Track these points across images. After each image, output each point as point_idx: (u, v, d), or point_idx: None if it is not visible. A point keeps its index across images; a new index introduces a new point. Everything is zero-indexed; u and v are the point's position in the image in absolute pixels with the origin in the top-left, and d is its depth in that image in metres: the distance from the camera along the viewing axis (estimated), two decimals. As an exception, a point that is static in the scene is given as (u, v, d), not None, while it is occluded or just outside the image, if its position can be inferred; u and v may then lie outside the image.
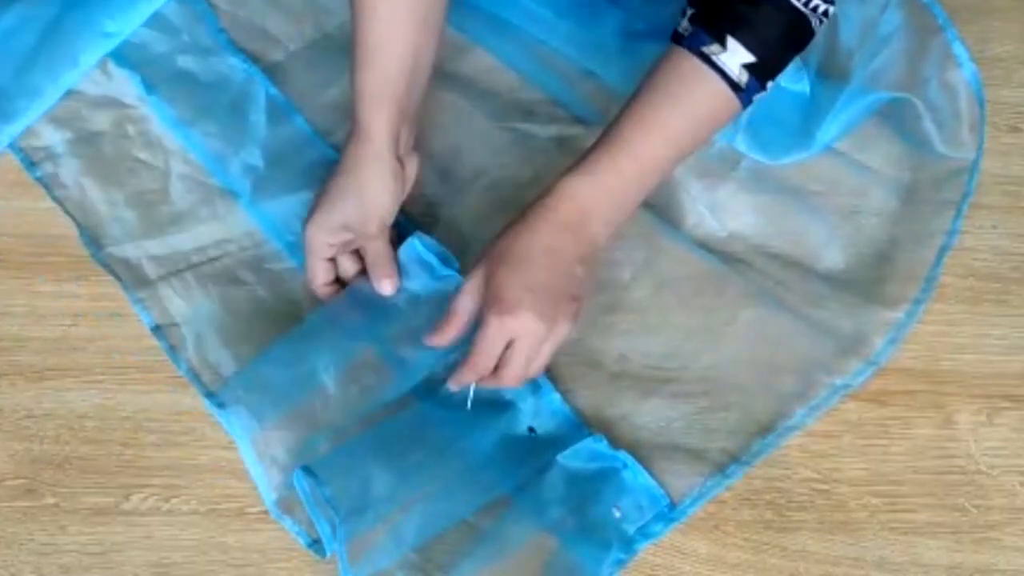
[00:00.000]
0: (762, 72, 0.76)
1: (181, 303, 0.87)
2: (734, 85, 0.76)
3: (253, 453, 0.79)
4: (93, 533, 0.81)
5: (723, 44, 0.75)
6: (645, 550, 0.79)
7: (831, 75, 0.93)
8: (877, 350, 0.85)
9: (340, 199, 0.82)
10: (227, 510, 0.81)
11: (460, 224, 0.90)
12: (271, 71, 0.95)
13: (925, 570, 0.80)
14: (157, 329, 0.86)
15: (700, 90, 0.77)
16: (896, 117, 0.92)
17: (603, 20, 0.95)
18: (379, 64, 0.81)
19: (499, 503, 0.79)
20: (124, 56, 0.95)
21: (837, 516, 0.81)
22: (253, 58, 0.96)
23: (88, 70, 0.95)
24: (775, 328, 0.85)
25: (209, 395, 0.83)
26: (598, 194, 0.77)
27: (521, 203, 0.89)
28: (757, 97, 0.78)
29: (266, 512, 0.81)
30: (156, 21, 0.97)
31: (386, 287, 0.84)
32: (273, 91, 0.94)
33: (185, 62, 0.96)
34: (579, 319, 0.79)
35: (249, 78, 0.95)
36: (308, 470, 0.74)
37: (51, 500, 0.82)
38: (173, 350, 0.85)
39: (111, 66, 0.95)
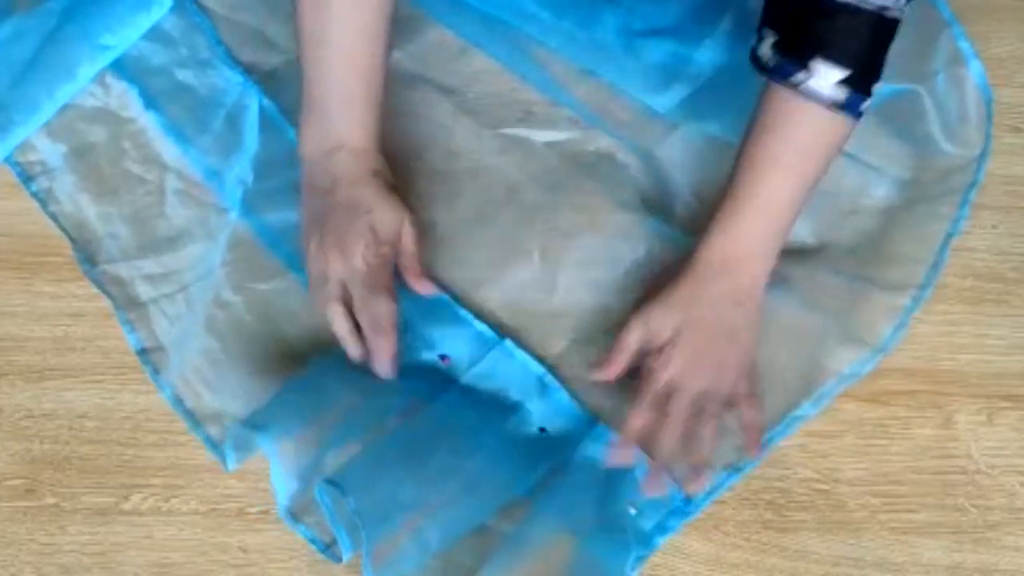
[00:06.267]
0: (860, 81, 0.75)
1: (168, 326, 0.86)
2: (834, 105, 0.75)
3: (278, 463, 0.78)
4: (93, 533, 0.81)
5: (809, 70, 0.74)
6: (645, 550, 0.80)
7: None
8: (884, 337, 0.85)
9: (348, 228, 0.81)
10: (227, 510, 0.81)
11: (454, 225, 0.89)
12: (269, 78, 0.95)
13: (925, 570, 0.80)
14: (142, 353, 0.85)
15: (802, 120, 0.76)
16: (899, 117, 0.92)
17: (602, 20, 0.95)
18: (356, 71, 0.82)
19: (517, 506, 0.79)
20: (122, 68, 0.95)
21: (837, 516, 0.81)
22: (251, 66, 0.95)
23: (86, 83, 0.94)
24: (780, 320, 0.85)
25: (195, 423, 0.83)
26: (739, 245, 0.79)
27: (515, 206, 0.89)
28: (865, 106, 0.76)
29: (266, 512, 0.81)
30: (154, 34, 0.95)
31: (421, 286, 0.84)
32: (267, 104, 0.93)
33: (183, 75, 0.95)
34: (743, 368, 0.79)
35: (244, 91, 0.94)
36: (331, 482, 0.73)
37: (51, 500, 0.82)
38: (157, 373, 0.85)
39: (109, 78, 0.95)
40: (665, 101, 0.92)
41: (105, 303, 0.87)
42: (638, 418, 0.77)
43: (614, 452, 0.79)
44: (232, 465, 0.80)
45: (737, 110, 0.90)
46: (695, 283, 0.79)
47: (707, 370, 0.78)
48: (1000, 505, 0.82)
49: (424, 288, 0.84)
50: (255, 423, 0.77)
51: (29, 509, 0.82)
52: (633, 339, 0.79)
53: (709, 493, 0.81)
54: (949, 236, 0.89)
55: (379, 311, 0.80)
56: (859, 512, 0.81)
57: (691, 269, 0.80)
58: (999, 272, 0.90)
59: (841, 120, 0.76)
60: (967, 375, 0.86)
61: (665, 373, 0.78)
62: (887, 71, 0.91)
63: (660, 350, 0.78)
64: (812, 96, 0.74)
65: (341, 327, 0.81)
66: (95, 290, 0.88)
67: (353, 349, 0.81)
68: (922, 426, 0.84)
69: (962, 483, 0.82)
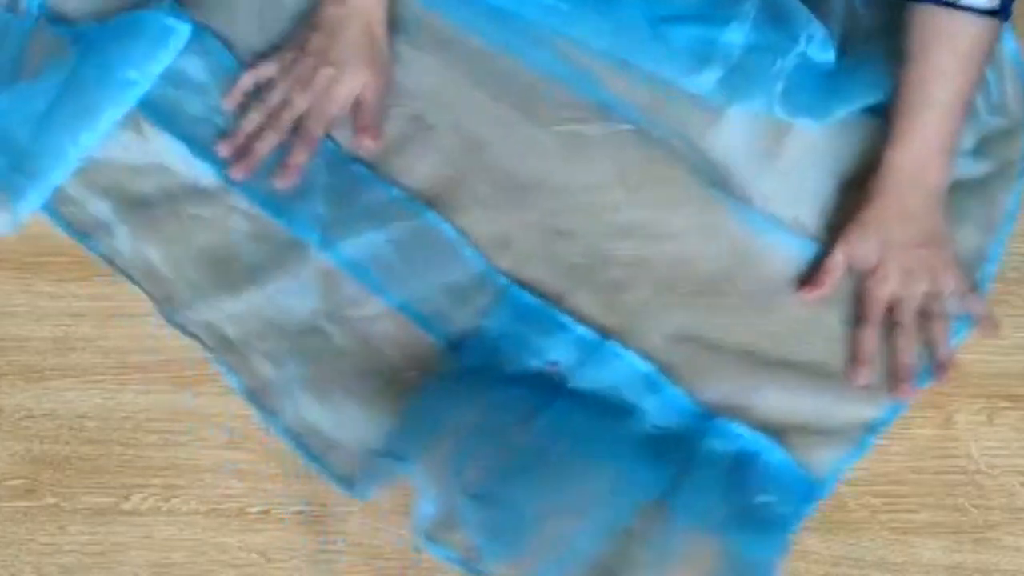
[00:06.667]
0: None
1: (268, 364, 0.84)
2: (988, 12, 0.81)
3: (418, 487, 0.78)
4: (93, 533, 0.81)
5: None
6: (645, 550, 0.80)
7: (855, 47, 0.92)
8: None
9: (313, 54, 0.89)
10: (227, 510, 0.81)
11: (529, 232, 0.88)
12: None
13: (925, 570, 0.80)
14: (250, 394, 0.84)
15: (959, 31, 0.82)
16: None
17: (627, 9, 0.94)
18: None
19: (655, 509, 0.79)
20: (160, 118, 0.91)
21: (837, 516, 0.81)
22: None
23: (113, 123, 0.89)
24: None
25: (317, 459, 0.81)
26: (918, 154, 0.84)
27: (584, 208, 0.89)
28: (1014, 6, 0.82)
29: (266, 512, 0.81)
30: (182, 81, 0.92)
31: (368, 142, 0.90)
32: (327, 142, 0.90)
33: (224, 122, 0.91)
34: (952, 266, 0.85)
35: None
36: (476, 496, 0.74)
37: (51, 500, 0.82)
38: (271, 415, 0.83)
39: (147, 128, 0.90)
40: (703, 83, 0.91)
41: (106, 303, 0.87)
42: (870, 338, 0.83)
43: (854, 374, 0.83)
44: (368, 496, 0.80)
45: (769, 86, 0.89)
46: (886, 200, 0.85)
47: (922, 278, 0.84)
48: (1000, 505, 0.82)
49: (367, 144, 0.89)
50: (390, 452, 0.77)
51: (29, 509, 0.82)
52: (838, 264, 0.85)
53: (835, 472, 0.81)
54: (1004, 230, 0.89)
55: (292, 156, 0.88)
56: (859, 512, 0.81)
57: (879, 187, 0.85)
58: (999, 272, 0.89)
59: (994, 23, 0.82)
60: (967, 375, 0.86)
61: (883, 292, 0.84)
62: None
63: (871, 272, 0.84)
64: (969, 8, 0.81)
65: (249, 123, 0.89)
66: (96, 290, 0.88)
67: (225, 148, 0.89)
68: (922, 426, 0.84)
69: (962, 483, 0.82)
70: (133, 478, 0.82)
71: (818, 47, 0.89)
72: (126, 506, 0.82)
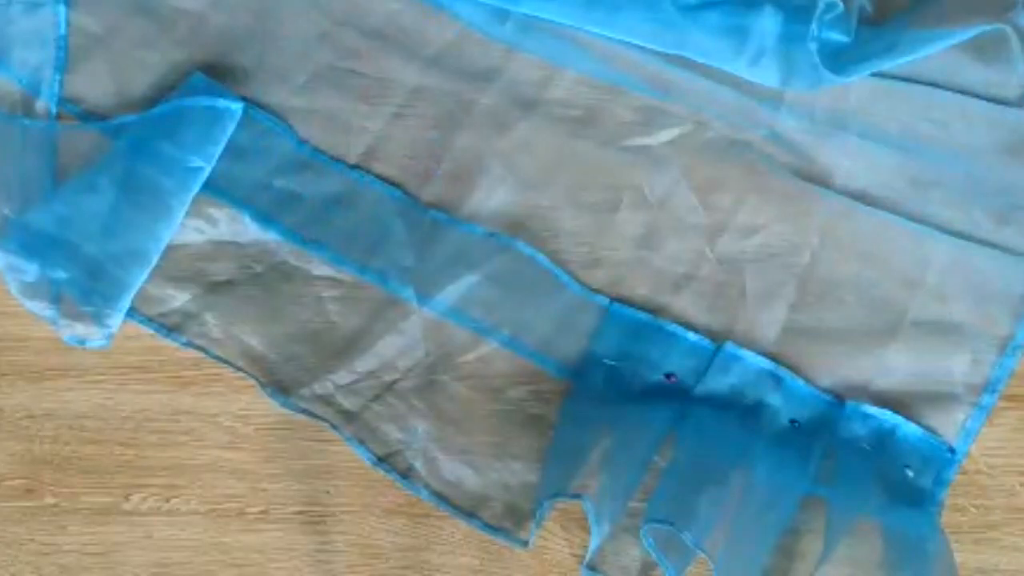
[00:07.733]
0: None
1: (393, 428, 0.83)
2: None
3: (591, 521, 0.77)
4: (93, 533, 0.81)
5: None
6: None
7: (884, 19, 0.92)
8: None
9: None
10: (227, 510, 0.81)
11: (613, 252, 0.87)
12: (366, 163, 0.89)
13: (925, 570, 0.80)
14: (381, 462, 0.83)
15: None
16: (990, 49, 0.89)
17: (657, 3, 0.92)
18: None
19: (814, 501, 0.80)
20: (222, 194, 0.87)
21: (838, 516, 0.81)
22: (338, 156, 0.89)
23: (181, 216, 0.86)
24: (967, 257, 0.85)
25: (470, 516, 0.82)
26: None
27: (664, 215, 0.87)
28: None
29: (266, 512, 0.81)
30: (234, 153, 0.89)
31: None
32: (396, 193, 0.88)
33: (282, 183, 0.89)
34: None
35: (355, 180, 0.89)
36: (660, 521, 0.74)
37: (51, 500, 0.82)
38: (406, 479, 0.82)
39: (211, 209, 0.87)
40: (753, 69, 0.89)
41: (105, 303, 0.87)
42: None
43: None
44: (532, 542, 0.80)
45: (811, 71, 0.87)
46: None
47: None
48: (1000, 505, 0.82)
49: None
50: (547, 494, 0.78)
51: (29, 509, 0.82)
52: None
53: (967, 436, 0.82)
54: None
55: None
56: (859, 512, 0.82)
57: None
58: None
59: None
60: (967, 375, 0.86)
61: None
62: (970, 15, 0.88)
63: None
64: None
65: None
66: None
67: None
68: (922, 426, 0.84)
69: (962, 483, 0.82)
70: (133, 478, 0.82)
71: (838, 29, 0.88)
72: (126, 506, 0.82)
